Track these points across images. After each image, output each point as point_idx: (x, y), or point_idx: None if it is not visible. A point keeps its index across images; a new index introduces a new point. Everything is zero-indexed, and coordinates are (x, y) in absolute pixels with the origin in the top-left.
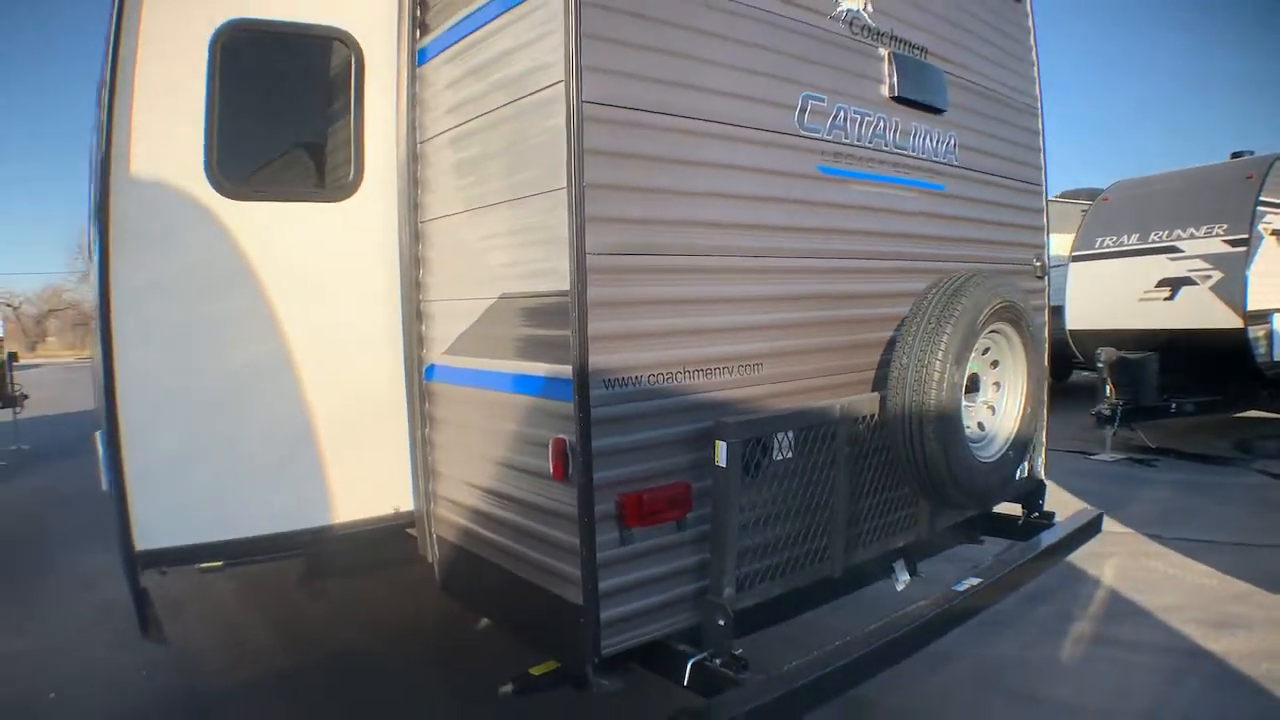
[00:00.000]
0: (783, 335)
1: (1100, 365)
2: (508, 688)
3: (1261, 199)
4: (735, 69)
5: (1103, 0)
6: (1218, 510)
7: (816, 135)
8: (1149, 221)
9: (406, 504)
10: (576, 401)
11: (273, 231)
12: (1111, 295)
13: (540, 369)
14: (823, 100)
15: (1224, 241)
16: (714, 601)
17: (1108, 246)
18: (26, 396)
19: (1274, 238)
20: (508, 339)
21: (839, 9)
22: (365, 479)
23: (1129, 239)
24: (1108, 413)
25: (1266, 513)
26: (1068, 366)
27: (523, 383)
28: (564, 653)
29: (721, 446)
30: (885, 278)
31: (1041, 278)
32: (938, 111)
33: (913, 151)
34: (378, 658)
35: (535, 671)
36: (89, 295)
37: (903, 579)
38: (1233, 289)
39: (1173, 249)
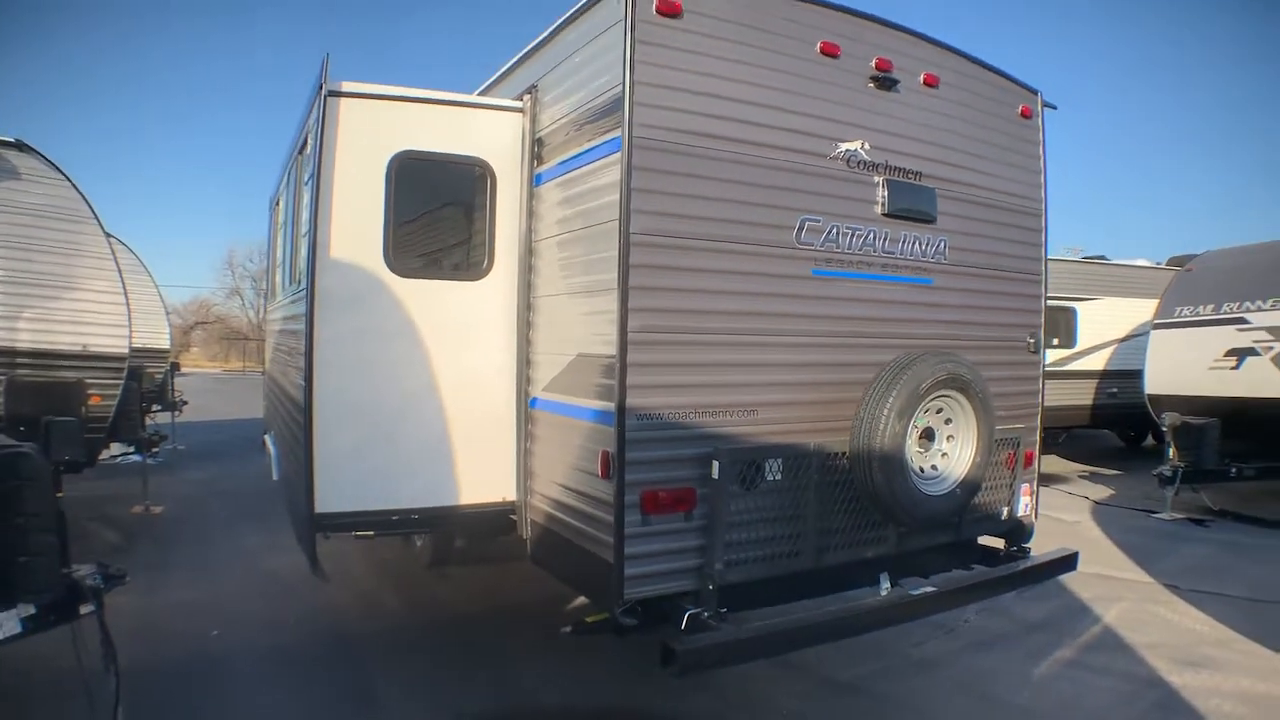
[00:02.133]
0: (775, 391)
1: (1164, 429)
2: (567, 629)
3: None
4: (745, 204)
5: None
6: (1247, 569)
7: (811, 247)
8: (1223, 293)
9: (511, 495)
10: (616, 427)
11: (429, 300)
12: (1185, 363)
13: (597, 404)
14: (818, 220)
15: None
16: (707, 573)
17: (1185, 316)
18: (186, 402)
19: None
20: (580, 383)
21: (838, 150)
22: (484, 475)
23: (1204, 309)
24: (1168, 474)
25: None
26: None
27: (586, 413)
28: (601, 598)
29: (716, 465)
30: (866, 351)
31: (1035, 353)
32: (929, 221)
33: (901, 255)
34: (479, 612)
35: (589, 619)
36: (241, 313)
37: (885, 587)
38: None
39: (1241, 320)
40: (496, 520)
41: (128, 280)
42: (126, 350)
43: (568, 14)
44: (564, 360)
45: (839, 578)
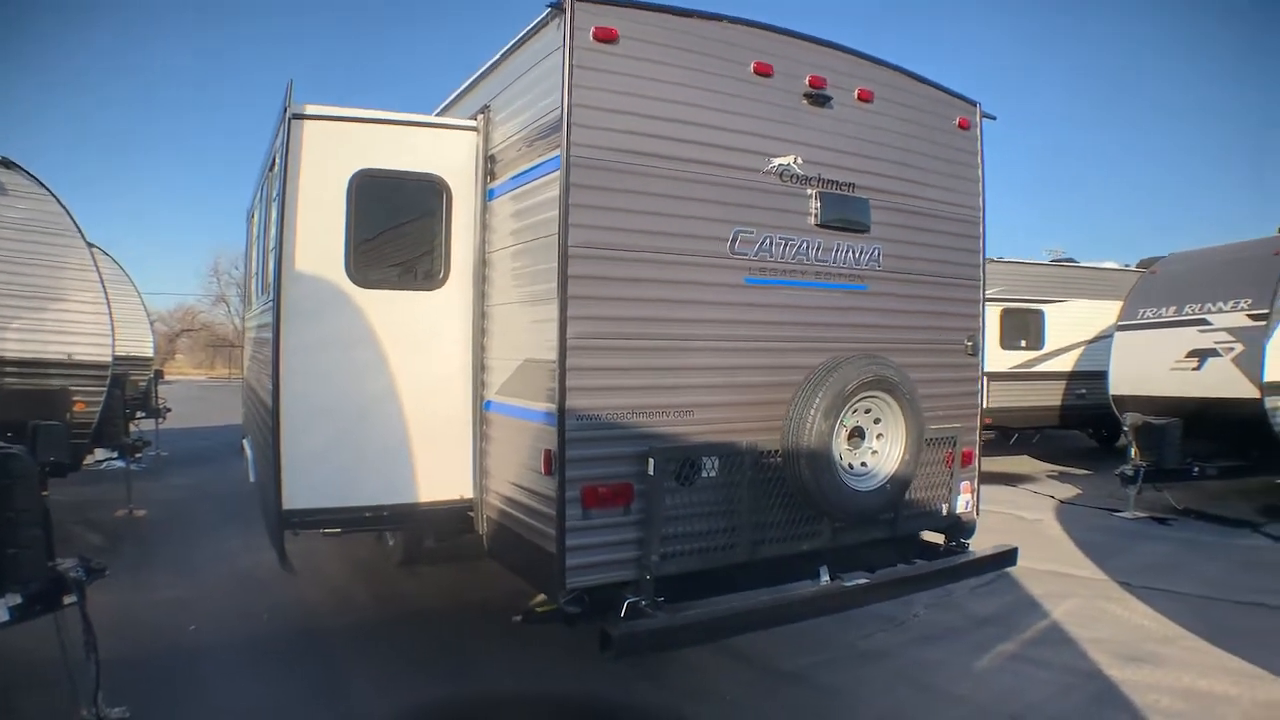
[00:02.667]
0: (710, 393)
1: (1126, 429)
2: (518, 617)
3: None
4: (680, 217)
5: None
6: (1202, 566)
7: (745, 256)
8: (1185, 295)
9: (469, 493)
10: (558, 427)
11: (389, 309)
12: (1147, 364)
13: (541, 406)
14: (751, 232)
15: (1247, 315)
16: (644, 564)
17: (1148, 317)
18: (170, 410)
19: None
20: (527, 386)
21: (771, 165)
22: (443, 474)
23: (1166, 311)
24: (1130, 473)
25: (1248, 572)
26: None
27: (532, 414)
28: (547, 588)
29: (651, 462)
30: (799, 355)
31: (973, 355)
32: (862, 230)
33: (834, 263)
34: (445, 606)
35: (538, 609)
36: (226, 321)
37: (824, 580)
38: (1252, 361)
39: (1202, 321)
40: (455, 517)
41: (110, 290)
42: (109, 359)
43: (514, 40)
44: (513, 365)
45: (778, 570)
